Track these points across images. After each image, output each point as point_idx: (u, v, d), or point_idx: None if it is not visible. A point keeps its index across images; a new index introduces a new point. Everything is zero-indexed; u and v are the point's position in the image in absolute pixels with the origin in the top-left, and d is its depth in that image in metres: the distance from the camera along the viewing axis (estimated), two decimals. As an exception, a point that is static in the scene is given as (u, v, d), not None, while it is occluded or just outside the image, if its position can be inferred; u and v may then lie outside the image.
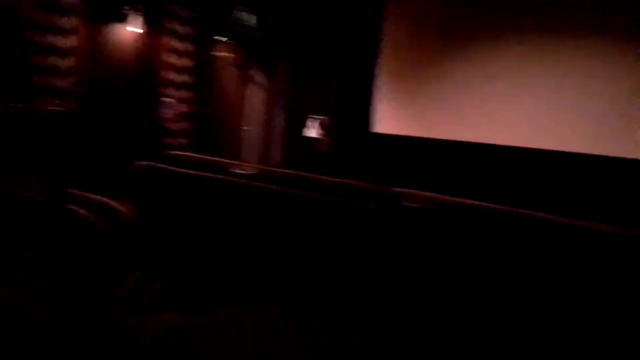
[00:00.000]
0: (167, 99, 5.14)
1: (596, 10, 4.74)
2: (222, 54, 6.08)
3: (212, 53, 5.92)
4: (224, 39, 5.99)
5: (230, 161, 1.99)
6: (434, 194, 2.92)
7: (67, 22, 4.04)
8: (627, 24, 4.60)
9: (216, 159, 2.11)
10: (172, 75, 5.24)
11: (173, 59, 5.24)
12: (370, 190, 1.84)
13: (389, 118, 5.80)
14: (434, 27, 5.51)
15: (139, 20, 4.65)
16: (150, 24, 4.82)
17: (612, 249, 1.24)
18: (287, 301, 1.70)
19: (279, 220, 1.76)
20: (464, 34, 5.36)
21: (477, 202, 2.82)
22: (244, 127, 6.28)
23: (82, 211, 1.78)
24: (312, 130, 5.77)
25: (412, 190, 2.99)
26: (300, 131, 5.86)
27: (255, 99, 6.39)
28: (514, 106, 5.11)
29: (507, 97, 5.14)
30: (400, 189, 2.95)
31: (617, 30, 4.65)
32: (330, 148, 5.73)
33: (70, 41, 4.07)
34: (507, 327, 1.39)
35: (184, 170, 1.96)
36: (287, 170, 2.31)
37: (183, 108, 5.34)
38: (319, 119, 5.77)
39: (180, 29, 5.28)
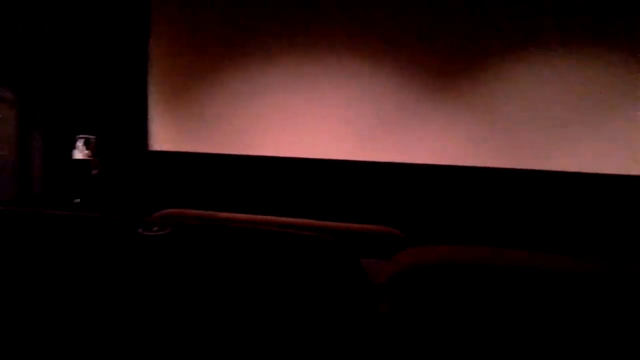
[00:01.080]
0: None
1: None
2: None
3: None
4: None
5: None
6: (202, 211, 2.91)
7: None
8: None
9: None
10: None
11: None
12: (111, 221, 1.74)
13: (166, 135, 5.60)
14: (203, 41, 5.47)
15: None
16: None
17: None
18: None
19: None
20: (232, 49, 5.40)
21: (246, 216, 2.90)
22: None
23: None
24: (80, 152, 5.25)
25: (177, 210, 2.94)
26: (66, 153, 5.28)
27: (5, 120, 5.53)
28: (293, 118, 5.29)
29: (282, 109, 5.31)
30: (163, 212, 2.87)
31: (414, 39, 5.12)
32: (101, 169, 5.29)
33: None
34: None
35: None
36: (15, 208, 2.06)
37: None
38: (86, 138, 5.28)
39: None
